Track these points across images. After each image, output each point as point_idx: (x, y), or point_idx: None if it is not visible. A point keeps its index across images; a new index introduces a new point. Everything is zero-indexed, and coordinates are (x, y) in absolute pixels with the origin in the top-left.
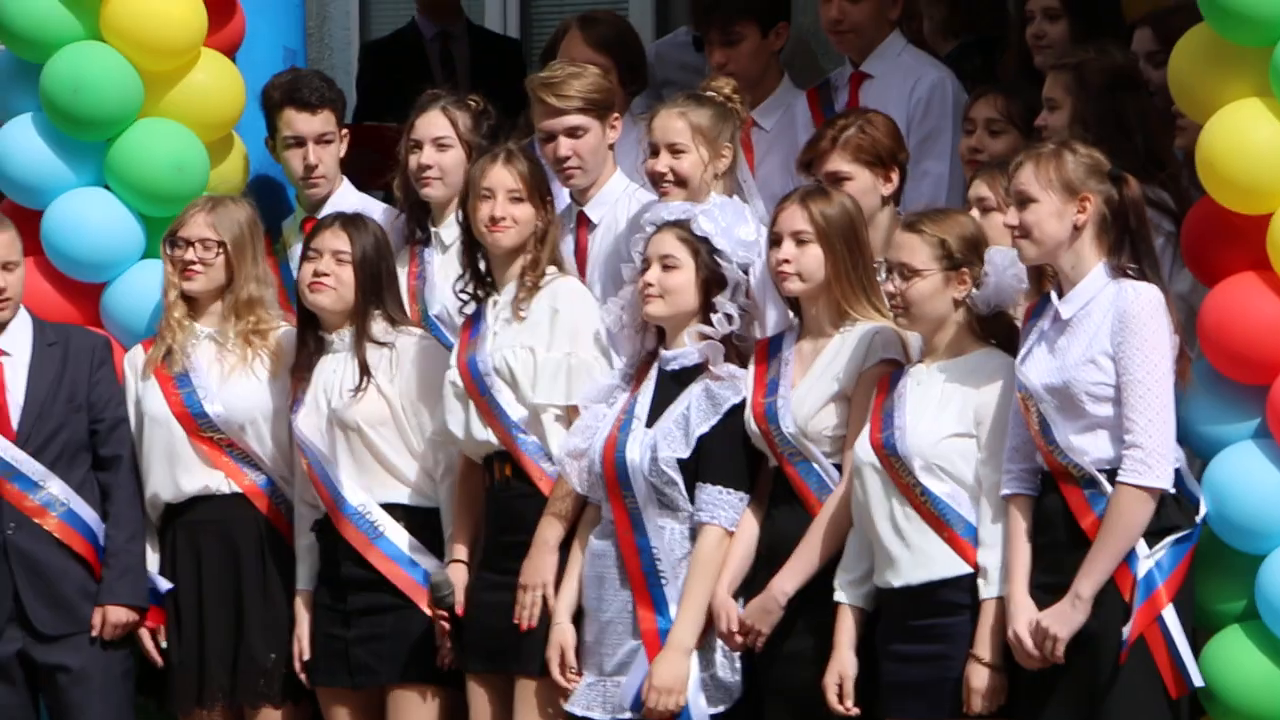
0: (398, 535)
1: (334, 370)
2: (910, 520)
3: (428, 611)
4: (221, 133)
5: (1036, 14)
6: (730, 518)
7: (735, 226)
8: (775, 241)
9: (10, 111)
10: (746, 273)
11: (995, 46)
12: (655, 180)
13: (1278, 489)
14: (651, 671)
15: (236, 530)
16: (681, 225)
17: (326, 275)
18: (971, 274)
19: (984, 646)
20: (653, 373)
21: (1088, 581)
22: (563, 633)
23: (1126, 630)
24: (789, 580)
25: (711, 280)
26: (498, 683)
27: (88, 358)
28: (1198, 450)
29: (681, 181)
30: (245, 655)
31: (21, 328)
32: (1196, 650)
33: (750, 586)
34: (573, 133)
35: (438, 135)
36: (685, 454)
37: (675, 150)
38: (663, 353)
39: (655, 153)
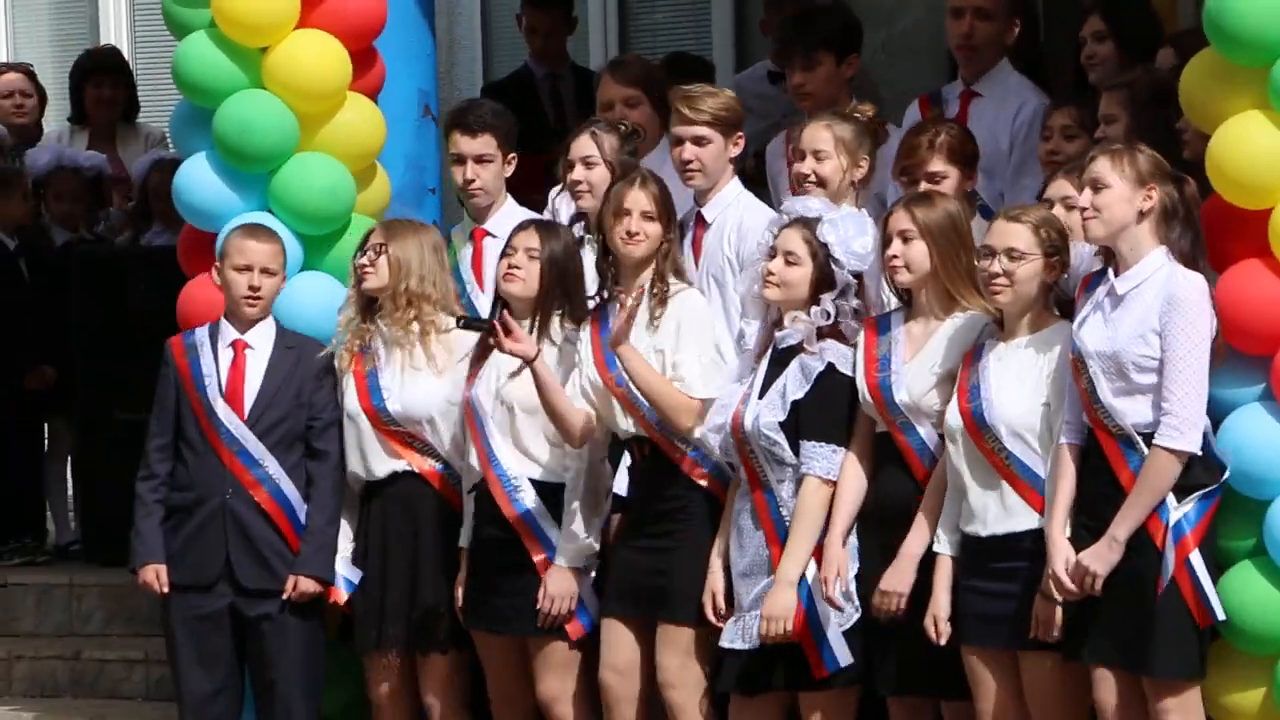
0: (530, 499)
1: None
2: (994, 479)
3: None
4: (366, 163)
5: (1087, 38)
6: (825, 467)
7: (854, 239)
8: (886, 242)
9: (188, 150)
10: (859, 279)
11: (1035, 74)
12: (799, 180)
13: None
14: (765, 603)
15: (418, 505)
16: (809, 226)
17: (519, 268)
18: (1062, 261)
19: (1049, 585)
20: (769, 352)
21: (1122, 527)
22: (716, 579)
23: (1162, 568)
24: (916, 543)
25: (823, 280)
26: (636, 626)
27: (316, 365)
28: (1214, 411)
29: (822, 183)
30: (419, 610)
31: (267, 329)
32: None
33: (862, 539)
34: (699, 141)
35: (586, 154)
36: (782, 417)
37: (819, 156)
38: (776, 334)
39: (801, 158)
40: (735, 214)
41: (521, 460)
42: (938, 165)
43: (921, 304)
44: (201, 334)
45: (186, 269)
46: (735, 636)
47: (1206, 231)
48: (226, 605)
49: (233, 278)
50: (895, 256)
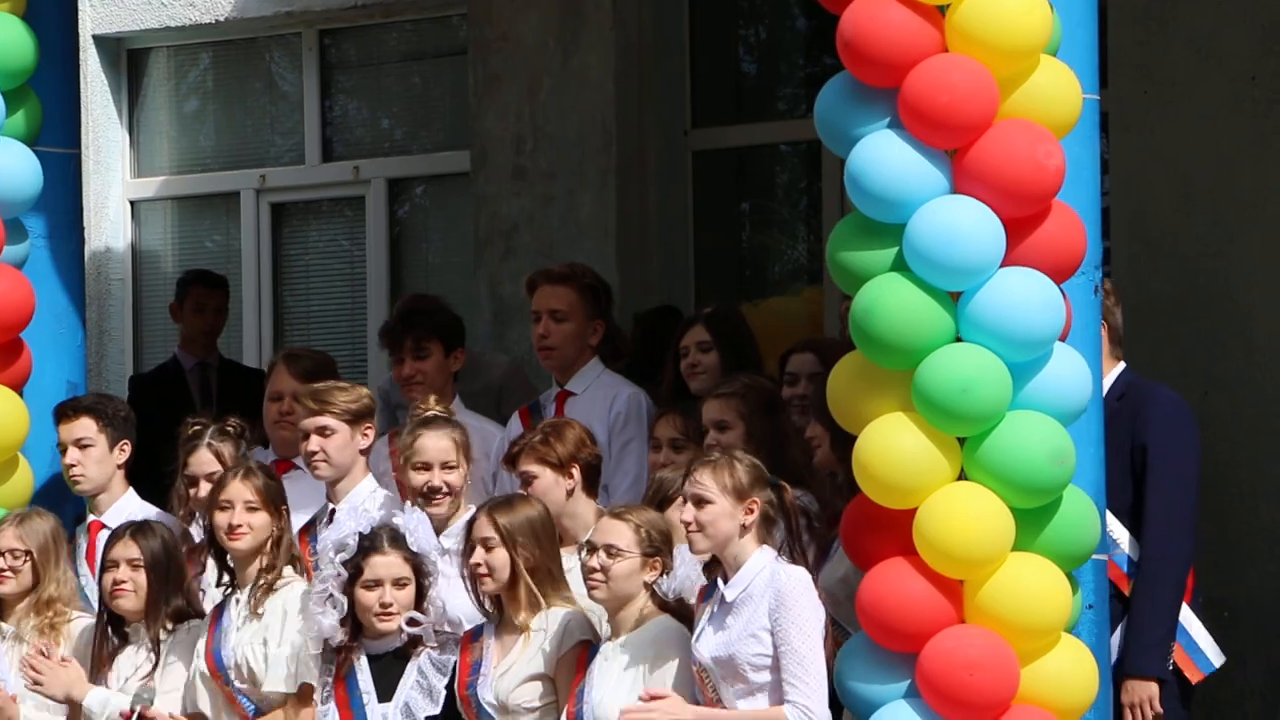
0: None
1: (130, 659)
2: None
3: None
4: (8, 455)
5: (691, 348)
6: None
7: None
8: (470, 549)
9: None
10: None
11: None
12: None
13: None
14: None
15: None
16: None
17: (124, 582)
18: (663, 562)
19: None
20: (362, 660)
21: (711, 714)
22: None
23: None
24: None
25: None
26: None
27: None
28: (855, 708)
29: (436, 504)
30: None
31: None
32: None
33: None
34: (322, 431)
35: (209, 471)
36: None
37: (439, 467)
38: (367, 642)
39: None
40: (366, 509)
41: None
42: (526, 465)
43: (509, 609)
44: None
45: None
46: None
47: (852, 530)
48: None
49: None
50: (479, 564)
